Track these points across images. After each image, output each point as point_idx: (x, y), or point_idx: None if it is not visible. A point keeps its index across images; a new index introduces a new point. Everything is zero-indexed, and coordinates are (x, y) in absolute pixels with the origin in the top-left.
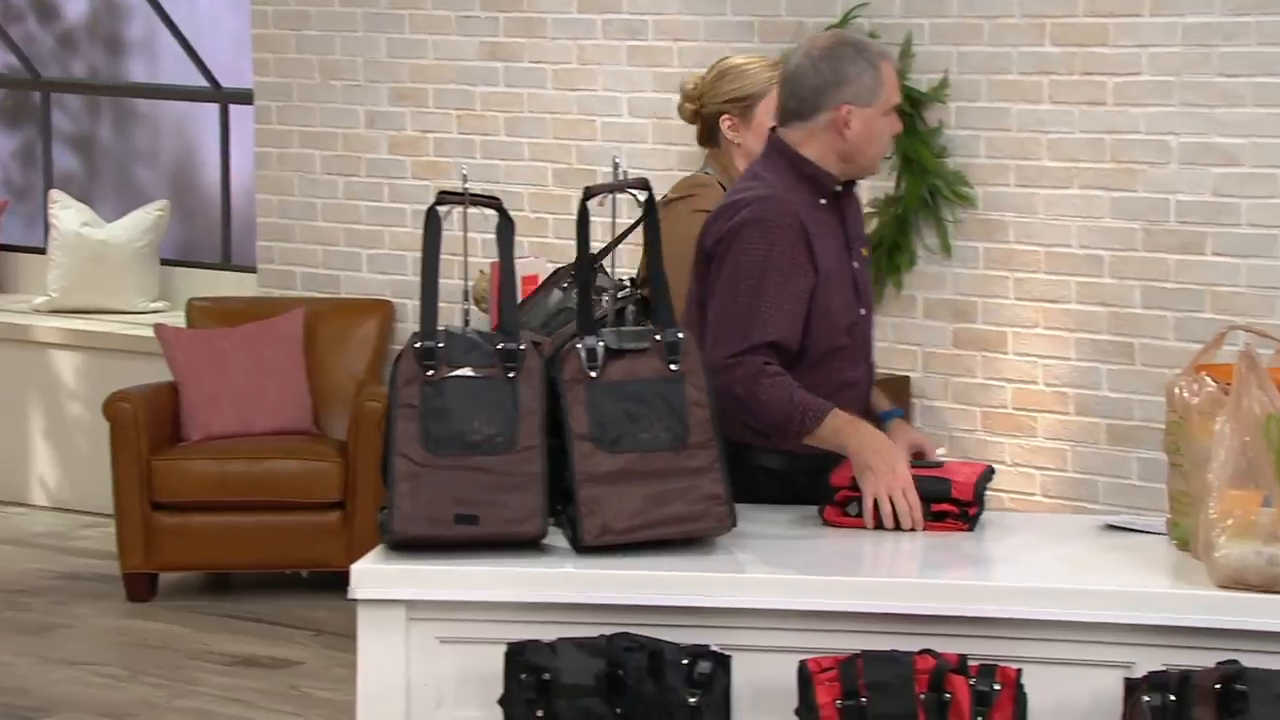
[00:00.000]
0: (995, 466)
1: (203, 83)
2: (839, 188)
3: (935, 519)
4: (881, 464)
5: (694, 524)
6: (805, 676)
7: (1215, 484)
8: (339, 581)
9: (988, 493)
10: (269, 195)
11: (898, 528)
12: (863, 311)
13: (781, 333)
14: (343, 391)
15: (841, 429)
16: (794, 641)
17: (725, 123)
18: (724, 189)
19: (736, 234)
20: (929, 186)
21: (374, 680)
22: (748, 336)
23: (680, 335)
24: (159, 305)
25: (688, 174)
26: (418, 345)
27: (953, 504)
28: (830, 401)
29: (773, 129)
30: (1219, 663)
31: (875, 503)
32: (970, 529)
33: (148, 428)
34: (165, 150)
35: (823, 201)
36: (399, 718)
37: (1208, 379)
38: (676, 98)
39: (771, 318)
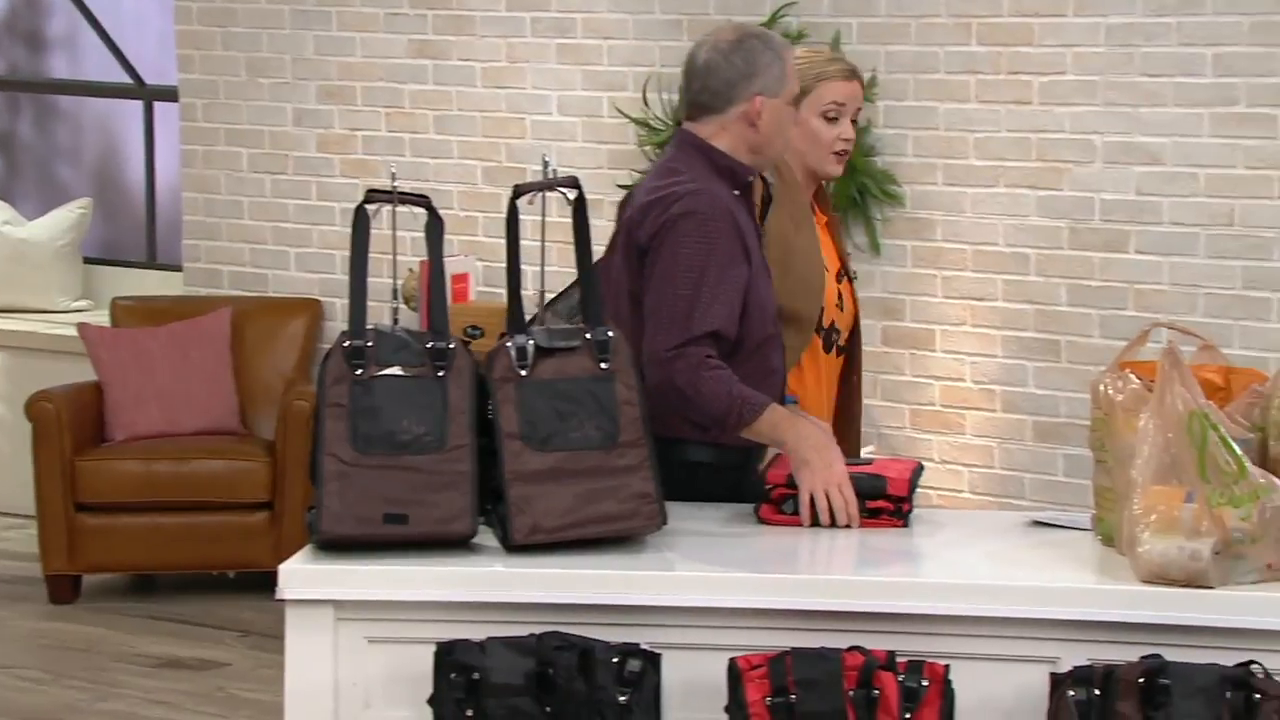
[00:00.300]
0: (924, 463)
1: (127, 79)
2: (750, 179)
3: (870, 515)
4: (818, 459)
5: (624, 522)
6: (735, 674)
7: (1139, 480)
8: (267, 582)
9: (917, 490)
10: (195, 193)
11: (834, 524)
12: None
13: (721, 323)
14: (271, 391)
15: (779, 424)
16: (724, 639)
17: None
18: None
19: (673, 227)
20: (857, 185)
21: (302, 681)
22: (689, 328)
23: (610, 334)
24: (82, 304)
25: (618, 172)
26: (346, 344)
27: (888, 500)
28: (758, 391)
29: (678, 124)
30: (1142, 657)
31: (812, 499)
32: (905, 525)
33: (71, 428)
34: (88, 148)
35: (736, 193)
36: (327, 718)
37: (1132, 376)
38: (606, 95)
39: (711, 308)
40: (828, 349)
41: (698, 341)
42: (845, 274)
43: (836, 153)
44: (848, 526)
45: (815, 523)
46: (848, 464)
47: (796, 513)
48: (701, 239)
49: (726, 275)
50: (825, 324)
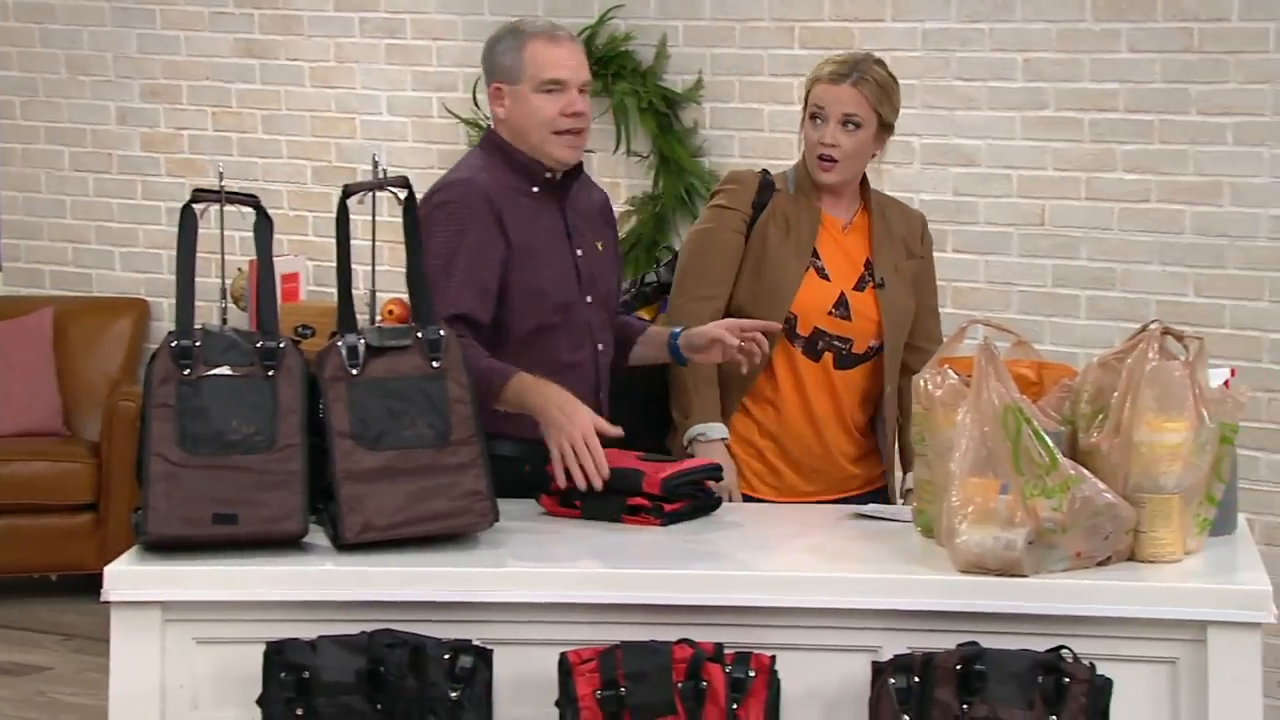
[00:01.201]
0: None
1: None
2: (549, 175)
3: (630, 512)
4: (561, 416)
5: (456, 520)
6: (565, 668)
7: (957, 473)
8: (92, 585)
9: (703, 491)
10: (14, 192)
11: (590, 488)
12: (588, 299)
13: (470, 306)
14: (95, 392)
15: (526, 389)
16: (554, 634)
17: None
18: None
19: (429, 218)
20: (685, 185)
21: (127, 684)
22: (438, 312)
23: (442, 333)
24: None
25: (442, 171)
26: (173, 344)
27: (645, 498)
28: (551, 381)
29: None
30: (959, 644)
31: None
32: (663, 524)
33: None
34: None
35: (535, 189)
36: None
37: (950, 371)
38: (436, 96)
39: (459, 293)
40: (814, 356)
41: (449, 323)
42: (871, 281)
43: (819, 157)
44: (594, 490)
45: (570, 483)
46: (646, 460)
47: (572, 506)
48: (452, 227)
49: (477, 261)
50: (804, 331)
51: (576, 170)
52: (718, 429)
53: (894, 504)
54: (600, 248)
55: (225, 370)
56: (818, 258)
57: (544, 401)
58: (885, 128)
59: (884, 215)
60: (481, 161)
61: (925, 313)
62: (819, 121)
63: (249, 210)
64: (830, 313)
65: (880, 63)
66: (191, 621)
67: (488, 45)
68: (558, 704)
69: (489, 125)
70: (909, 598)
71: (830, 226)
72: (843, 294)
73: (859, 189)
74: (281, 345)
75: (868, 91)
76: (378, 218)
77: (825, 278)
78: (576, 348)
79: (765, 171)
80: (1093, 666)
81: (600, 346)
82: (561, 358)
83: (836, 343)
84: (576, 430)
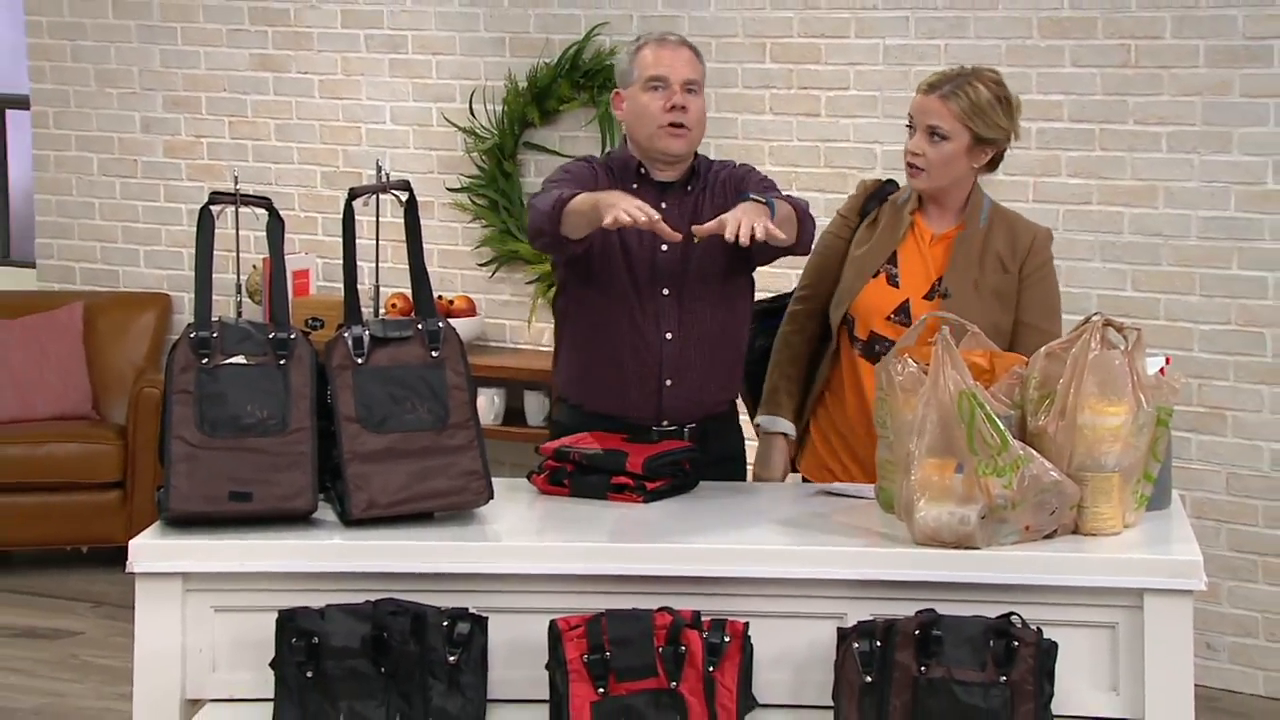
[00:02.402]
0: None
1: None
2: (643, 170)
3: (615, 490)
4: (611, 198)
5: (454, 497)
6: (555, 634)
7: (916, 453)
8: (118, 556)
9: (684, 471)
10: (47, 195)
11: (578, 469)
12: (664, 291)
13: (566, 186)
14: (122, 379)
15: (585, 197)
16: (545, 603)
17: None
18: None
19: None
20: None
21: (151, 648)
22: (546, 190)
23: (440, 325)
24: None
25: (447, 177)
26: (193, 335)
27: (629, 477)
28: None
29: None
30: (918, 611)
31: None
32: (645, 501)
33: None
34: None
35: (634, 186)
36: (175, 682)
37: (910, 360)
38: (436, 106)
39: (553, 179)
40: (871, 359)
41: (540, 191)
42: (936, 293)
43: (907, 164)
44: (582, 467)
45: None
46: (631, 441)
47: (562, 485)
48: (561, 173)
49: (579, 178)
50: (862, 334)
51: (688, 175)
52: (778, 423)
53: None
54: (696, 240)
55: (241, 359)
56: (893, 264)
57: (598, 196)
58: (983, 142)
59: (985, 229)
60: (605, 157)
61: (1024, 330)
62: (912, 130)
63: (263, 212)
64: (889, 318)
65: (987, 80)
66: (210, 591)
67: (623, 55)
68: (548, 667)
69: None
70: (871, 568)
71: (920, 236)
72: (906, 300)
73: (965, 201)
74: (293, 336)
75: (956, 105)
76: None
77: (894, 283)
78: (642, 332)
79: (888, 181)
80: (1040, 631)
81: (669, 335)
82: (625, 339)
83: (879, 345)
84: (623, 199)
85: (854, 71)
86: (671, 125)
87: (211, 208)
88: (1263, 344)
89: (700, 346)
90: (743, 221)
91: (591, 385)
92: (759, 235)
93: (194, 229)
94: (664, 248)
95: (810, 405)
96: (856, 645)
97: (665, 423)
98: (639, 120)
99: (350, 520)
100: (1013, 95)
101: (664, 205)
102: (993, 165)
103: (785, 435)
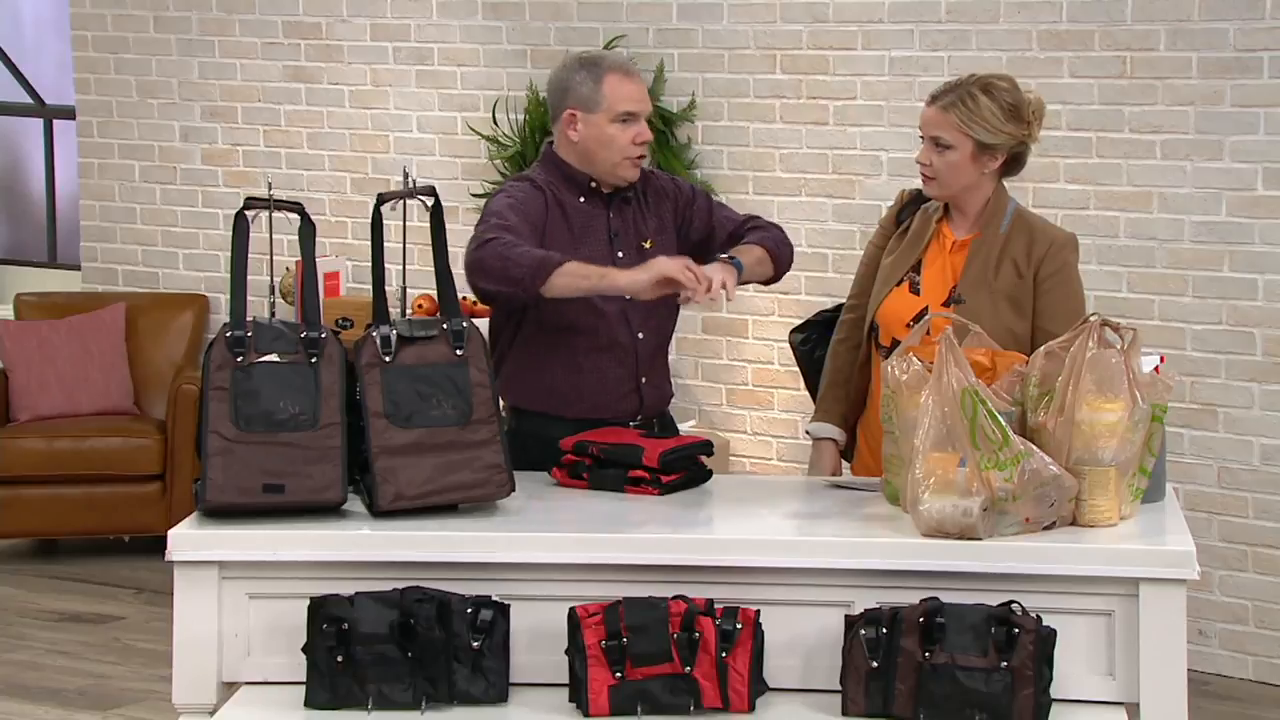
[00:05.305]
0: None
1: (28, 100)
2: (593, 184)
3: (631, 483)
4: (649, 267)
5: (478, 490)
6: (574, 621)
7: (920, 448)
8: (158, 545)
9: (697, 464)
10: (92, 201)
11: (596, 464)
12: (627, 295)
13: (515, 222)
14: (162, 376)
15: (576, 270)
16: (565, 591)
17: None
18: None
19: (488, 204)
20: None
21: (189, 633)
22: (486, 230)
23: (465, 324)
24: None
25: (471, 183)
26: (228, 334)
27: (644, 470)
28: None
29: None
30: (922, 599)
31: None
32: (661, 493)
33: None
34: None
35: (582, 199)
36: (212, 665)
37: (915, 359)
38: (460, 115)
39: (506, 215)
40: None
41: (494, 231)
42: (952, 300)
43: (921, 174)
44: (602, 461)
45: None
46: (647, 436)
47: (581, 479)
48: (507, 199)
49: (527, 212)
50: (885, 341)
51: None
52: (827, 429)
53: None
54: (648, 245)
55: (274, 357)
56: (917, 272)
57: (609, 274)
58: (988, 148)
59: (1006, 235)
60: (539, 172)
61: (1041, 336)
62: (923, 140)
63: (295, 216)
64: (909, 325)
65: (993, 88)
66: (245, 579)
67: (561, 75)
68: (567, 652)
69: (549, 143)
70: (878, 558)
71: (944, 242)
72: (926, 308)
73: (984, 207)
74: (323, 335)
75: (954, 115)
76: (408, 223)
77: (916, 291)
78: (613, 333)
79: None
80: (1039, 618)
81: (641, 335)
82: (602, 344)
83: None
84: (674, 261)
85: (861, 82)
86: (638, 156)
87: (246, 213)
88: (1253, 343)
89: (661, 342)
90: (713, 280)
91: (568, 393)
92: (729, 298)
93: (230, 233)
94: (620, 254)
95: (856, 411)
96: (863, 632)
97: (639, 418)
98: (603, 148)
99: (378, 512)
100: (1030, 99)
101: (611, 215)
102: (1012, 169)
103: (834, 441)
